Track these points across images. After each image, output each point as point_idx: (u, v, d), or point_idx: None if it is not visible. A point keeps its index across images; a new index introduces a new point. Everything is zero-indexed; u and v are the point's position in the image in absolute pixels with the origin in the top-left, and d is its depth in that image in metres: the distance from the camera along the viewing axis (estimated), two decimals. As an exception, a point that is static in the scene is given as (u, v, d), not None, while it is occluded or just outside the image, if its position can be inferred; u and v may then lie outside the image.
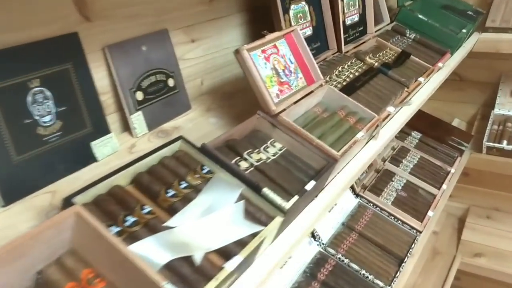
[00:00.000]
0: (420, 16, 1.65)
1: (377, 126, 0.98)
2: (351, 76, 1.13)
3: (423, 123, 2.13)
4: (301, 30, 1.14)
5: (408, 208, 1.56)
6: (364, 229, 1.46)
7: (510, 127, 2.11)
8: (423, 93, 1.31)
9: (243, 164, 0.73)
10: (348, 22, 1.32)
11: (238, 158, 0.74)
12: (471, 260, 2.26)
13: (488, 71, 2.30)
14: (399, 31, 1.63)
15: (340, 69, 1.14)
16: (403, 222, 1.51)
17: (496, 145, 2.04)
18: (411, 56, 1.40)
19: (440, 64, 1.49)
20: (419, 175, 1.74)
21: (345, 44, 1.28)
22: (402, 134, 2.01)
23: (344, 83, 1.09)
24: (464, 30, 1.65)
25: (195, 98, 0.97)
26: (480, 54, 1.95)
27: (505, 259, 2.17)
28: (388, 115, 1.06)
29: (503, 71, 2.25)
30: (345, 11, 1.29)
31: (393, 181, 1.66)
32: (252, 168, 0.73)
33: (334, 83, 1.07)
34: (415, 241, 1.46)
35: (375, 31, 1.58)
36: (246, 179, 0.68)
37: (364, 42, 1.37)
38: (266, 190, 0.67)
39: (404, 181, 1.67)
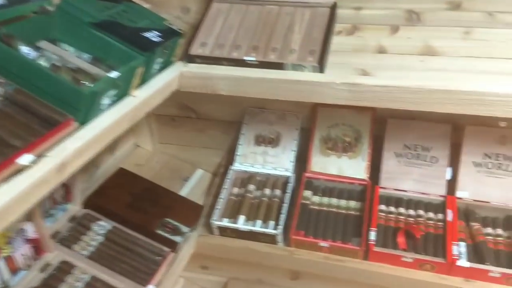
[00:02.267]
0: (23, 50, 0.83)
1: None
2: None
3: (126, 197, 1.36)
4: None
5: None
6: None
7: (252, 191, 1.51)
8: None
9: None
10: None
11: None
12: None
13: (230, 106, 1.67)
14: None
15: None
16: None
17: (230, 225, 1.41)
18: None
19: (21, 160, 0.70)
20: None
21: None
22: (79, 228, 1.21)
23: None
24: (112, 75, 0.89)
25: None
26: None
27: None
28: None
29: (247, 106, 1.65)
30: None
31: None
32: None
33: None
34: None
35: None
36: None
37: None
38: None
39: None
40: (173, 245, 1.28)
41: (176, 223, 1.33)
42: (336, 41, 1.25)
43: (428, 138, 1.43)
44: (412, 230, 1.30)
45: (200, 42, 1.24)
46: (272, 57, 1.17)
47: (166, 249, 1.26)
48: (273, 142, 1.57)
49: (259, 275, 1.73)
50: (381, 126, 1.50)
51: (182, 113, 1.73)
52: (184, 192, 1.66)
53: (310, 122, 1.58)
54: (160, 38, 1.09)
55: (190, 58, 1.21)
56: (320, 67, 1.13)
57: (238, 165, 1.56)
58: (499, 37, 1.16)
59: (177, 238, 1.30)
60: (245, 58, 1.17)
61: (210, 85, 1.21)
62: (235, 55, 1.19)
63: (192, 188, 1.69)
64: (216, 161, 1.75)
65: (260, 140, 1.58)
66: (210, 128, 1.72)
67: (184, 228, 1.35)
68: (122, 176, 1.44)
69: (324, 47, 1.17)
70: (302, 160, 1.58)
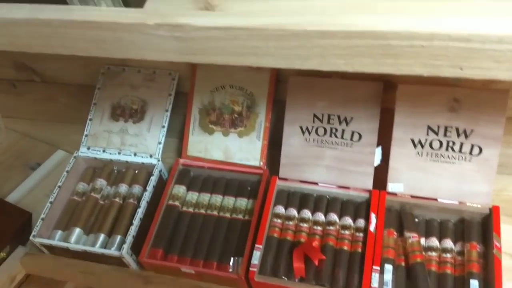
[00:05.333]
0: None
1: None
2: None
3: None
4: None
5: None
6: None
7: (100, 189, 1.05)
8: None
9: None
10: None
11: None
12: None
13: (82, 64, 1.17)
14: None
15: None
16: None
17: (56, 243, 0.97)
18: None
19: None
20: None
21: None
22: None
23: None
24: None
25: None
26: None
27: None
28: None
29: (103, 64, 1.15)
30: None
31: None
32: None
33: None
34: None
35: None
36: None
37: None
38: None
39: None
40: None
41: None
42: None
43: (348, 103, 0.95)
44: (311, 251, 0.86)
45: None
46: (44, -17, 0.67)
47: None
48: (135, 114, 1.09)
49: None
50: (283, 87, 1.02)
51: (22, 76, 1.24)
52: (27, 185, 1.21)
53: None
54: None
55: None
56: (120, -4, 0.64)
57: (85, 150, 1.09)
58: None
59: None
60: (2, -15, 0.68)
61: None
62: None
63: (43, 179, 1.24)
64: (79, 140, 1.28)
65: (118, 113, 1.10)
66: (61, 95, 1.24)
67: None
68: None
69: (132, -39, 0.66)
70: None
